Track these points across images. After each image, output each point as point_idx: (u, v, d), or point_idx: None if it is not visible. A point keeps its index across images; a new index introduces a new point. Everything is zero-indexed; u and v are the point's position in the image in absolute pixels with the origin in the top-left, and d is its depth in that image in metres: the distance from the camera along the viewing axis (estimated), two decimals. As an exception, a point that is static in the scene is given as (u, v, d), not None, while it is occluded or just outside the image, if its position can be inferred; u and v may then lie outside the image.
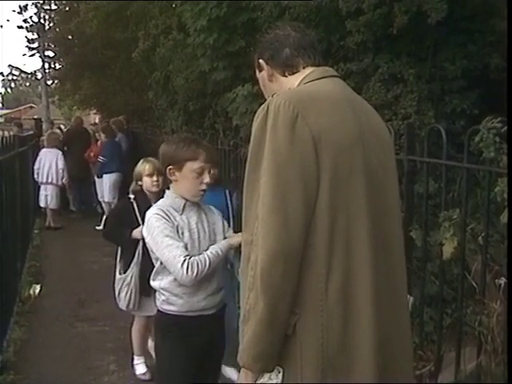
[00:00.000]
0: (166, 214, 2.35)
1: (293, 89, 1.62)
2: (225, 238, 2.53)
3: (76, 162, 9.07)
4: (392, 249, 1.59)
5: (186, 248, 2.32)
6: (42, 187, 8.60)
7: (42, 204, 8.69)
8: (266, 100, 1.57)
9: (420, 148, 3.18)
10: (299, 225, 1.41)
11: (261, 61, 1.74)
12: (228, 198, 3.36)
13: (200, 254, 2.34)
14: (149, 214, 2.40)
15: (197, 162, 2.37)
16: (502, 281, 2.61)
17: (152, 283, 2.44)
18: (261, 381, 1.49)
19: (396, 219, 1.64)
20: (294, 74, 1.68)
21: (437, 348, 2.98)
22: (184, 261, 2.25)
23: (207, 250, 2.38)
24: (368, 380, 1.46)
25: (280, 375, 1.48)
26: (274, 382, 1.48)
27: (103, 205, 8.46)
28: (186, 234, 2.37)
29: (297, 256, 1.42)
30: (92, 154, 8.86)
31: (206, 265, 2.30)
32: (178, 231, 2.35)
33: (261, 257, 1.41)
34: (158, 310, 2.46)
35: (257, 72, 1.81)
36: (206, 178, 2.40)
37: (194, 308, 2.37)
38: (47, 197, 8.59)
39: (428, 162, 2.96)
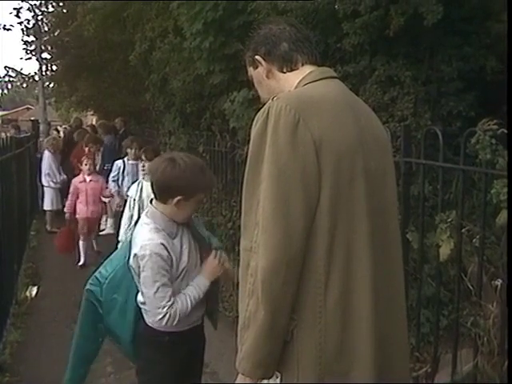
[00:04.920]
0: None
1: (293, 92, 1.58)
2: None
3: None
4: (390, 252, 1.59)
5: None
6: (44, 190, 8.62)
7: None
8: (262, 105, 1.54)
9: (416, 150, 3.19)
10: (300, 231, 1.39)
11: (257, 57, 1.68)
12: None
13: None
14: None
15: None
16: (499, 282, 2.61)
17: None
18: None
19: (394, 222, 1.63)
20: (292, 70, 1.64)
21: (433, 349, 2.98)
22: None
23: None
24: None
25: (278, 380, 1.48)
26: (272, 384, 1.48)
27: None
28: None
29: (298, 263, 1.40)
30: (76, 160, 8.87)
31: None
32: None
33: (261, 264, 1.38)
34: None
35: (250, 70, 1.76)
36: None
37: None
38: (44, 199, 8.58)
39: (424, 164, 2.97)
